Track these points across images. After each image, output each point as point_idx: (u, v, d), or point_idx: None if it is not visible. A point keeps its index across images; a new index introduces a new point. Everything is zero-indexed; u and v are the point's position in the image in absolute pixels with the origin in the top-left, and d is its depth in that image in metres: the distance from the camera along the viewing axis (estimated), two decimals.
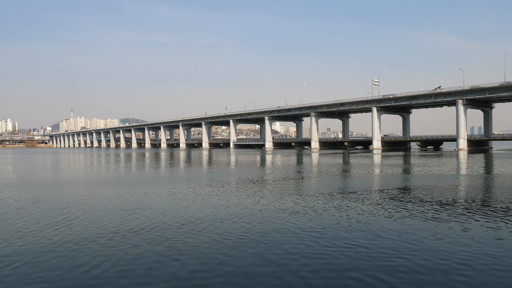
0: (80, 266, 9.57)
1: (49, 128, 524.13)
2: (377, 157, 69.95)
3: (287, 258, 10.08)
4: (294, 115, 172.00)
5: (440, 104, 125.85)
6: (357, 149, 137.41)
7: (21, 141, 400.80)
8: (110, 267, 9.48)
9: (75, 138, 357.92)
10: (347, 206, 17.42)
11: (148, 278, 8.76)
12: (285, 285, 8.37)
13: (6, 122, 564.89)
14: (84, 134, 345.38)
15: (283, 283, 8.46)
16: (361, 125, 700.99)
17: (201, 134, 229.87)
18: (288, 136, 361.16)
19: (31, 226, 13.79)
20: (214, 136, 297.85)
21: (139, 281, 8.61)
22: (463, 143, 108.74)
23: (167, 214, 15.85)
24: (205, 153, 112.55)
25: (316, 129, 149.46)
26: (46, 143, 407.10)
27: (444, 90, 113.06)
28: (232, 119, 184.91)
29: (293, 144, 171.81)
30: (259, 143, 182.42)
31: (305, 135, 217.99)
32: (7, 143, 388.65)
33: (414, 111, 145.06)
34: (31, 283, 8.54)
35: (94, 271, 9.18)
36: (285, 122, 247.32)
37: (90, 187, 25.85)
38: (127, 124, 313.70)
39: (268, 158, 73.66)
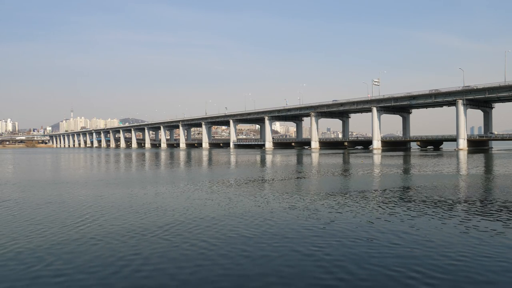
0: (115, 262, 9.99)
1: (49, 128, 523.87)
2: (377, 157, 70.25)
3: (314, 255, 10.50)
4: (294, 115, 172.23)
5: (440, 104, 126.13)
6: (357, 149, 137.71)
7: (21, 141, 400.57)
8: (141, 264, 9.90)
9: (75, 138, 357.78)
10: (359, 206, 17.81)
11: (183, 275, 9.19)
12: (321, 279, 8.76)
13: (6, 122, 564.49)
14: (84, 134, 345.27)
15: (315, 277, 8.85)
16: (361, 125, 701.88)
17: (201, 134, 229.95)
18: (288, 136, 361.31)
19: (51, 225, 14.18)
20: (214, 136, 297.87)
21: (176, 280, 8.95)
22: (463, 143, 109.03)
23: (182, 213, 16.23)
24: (205, 153, 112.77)
25: (316, 129, 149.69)
26: (46, 143, 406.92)
27: (444, 90, 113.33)
28: (232, 119, 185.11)
29: (293, 144, 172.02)
30: (259, 143, 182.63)
31: (305, 135, 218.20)
32: (7, 143, 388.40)
33: (414, 111, 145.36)
34: (62, 278, 8.96)
35: (131, 267, 9.59)
36: (285, 122, 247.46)
37: (100, 188, 26.16)
38: (127, 124, 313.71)
39: (269, 158, 73.92)
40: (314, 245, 11.40)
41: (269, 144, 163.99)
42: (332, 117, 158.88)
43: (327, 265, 9.68)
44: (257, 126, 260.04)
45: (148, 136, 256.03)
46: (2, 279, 8.94)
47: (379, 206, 17.68)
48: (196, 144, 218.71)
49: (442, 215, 15.48)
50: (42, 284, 8.69)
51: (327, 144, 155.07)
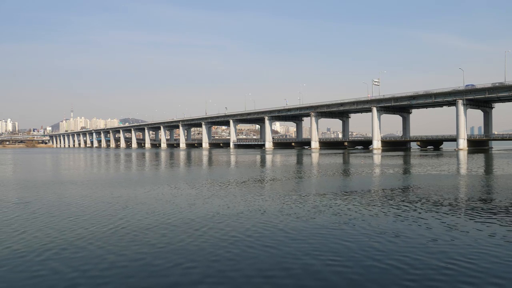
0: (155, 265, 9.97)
1: (49, 128, 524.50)
2: (377, 157, 70.15)
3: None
4: (294, 115, 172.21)
5: (440, 104, 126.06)
6: (357, 149, 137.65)
7: (21, 141, 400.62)
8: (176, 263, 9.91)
9: (75, 138, 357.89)
10: (364, 205, 17.68)
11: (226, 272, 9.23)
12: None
13: (6, 122, 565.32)
14: (84, 134, 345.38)
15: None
16: (361, 125, 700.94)
17: (201, 134, 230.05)
18: (288, 136, 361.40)
19: (69, 223, 14.15)
20: (214, 136, 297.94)
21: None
22: (463, 143, 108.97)
23: (206, 212, 16.35)
24: (205, 153, 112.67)
25: (316, 129, 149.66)
26: (46, 143, 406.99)
27: (444, 90, 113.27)
28: (232, 119, 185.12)
29: (293, 144, 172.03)
30: (259, 143, 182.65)
31: (305, 135, 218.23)
32: (7, 143, 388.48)
33: (414, 111, 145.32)
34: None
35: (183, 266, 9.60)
36: (285, 122, 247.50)
37: (116, 187, 25.88)
38: (127, 124, 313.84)
39: (269, 158, 73.85)
40: (340, 243, 11.45)
41: (269, 144, 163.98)
42: (332, 117, 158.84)
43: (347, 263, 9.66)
44: (257, 126, 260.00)
45: (148, 136, 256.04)
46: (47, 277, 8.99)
47: (387, 206, 17.63)
48: (196, 144, 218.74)
49: (446, 214, 15.44)
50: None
51: (327, 144, 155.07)
